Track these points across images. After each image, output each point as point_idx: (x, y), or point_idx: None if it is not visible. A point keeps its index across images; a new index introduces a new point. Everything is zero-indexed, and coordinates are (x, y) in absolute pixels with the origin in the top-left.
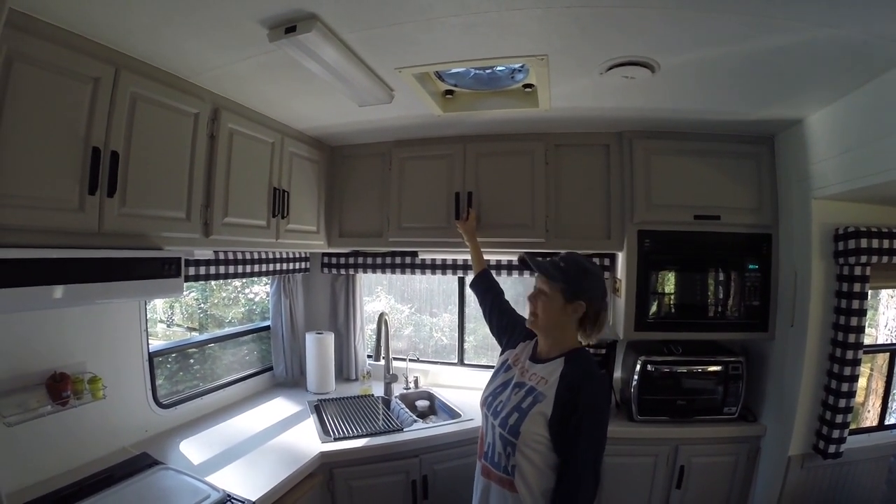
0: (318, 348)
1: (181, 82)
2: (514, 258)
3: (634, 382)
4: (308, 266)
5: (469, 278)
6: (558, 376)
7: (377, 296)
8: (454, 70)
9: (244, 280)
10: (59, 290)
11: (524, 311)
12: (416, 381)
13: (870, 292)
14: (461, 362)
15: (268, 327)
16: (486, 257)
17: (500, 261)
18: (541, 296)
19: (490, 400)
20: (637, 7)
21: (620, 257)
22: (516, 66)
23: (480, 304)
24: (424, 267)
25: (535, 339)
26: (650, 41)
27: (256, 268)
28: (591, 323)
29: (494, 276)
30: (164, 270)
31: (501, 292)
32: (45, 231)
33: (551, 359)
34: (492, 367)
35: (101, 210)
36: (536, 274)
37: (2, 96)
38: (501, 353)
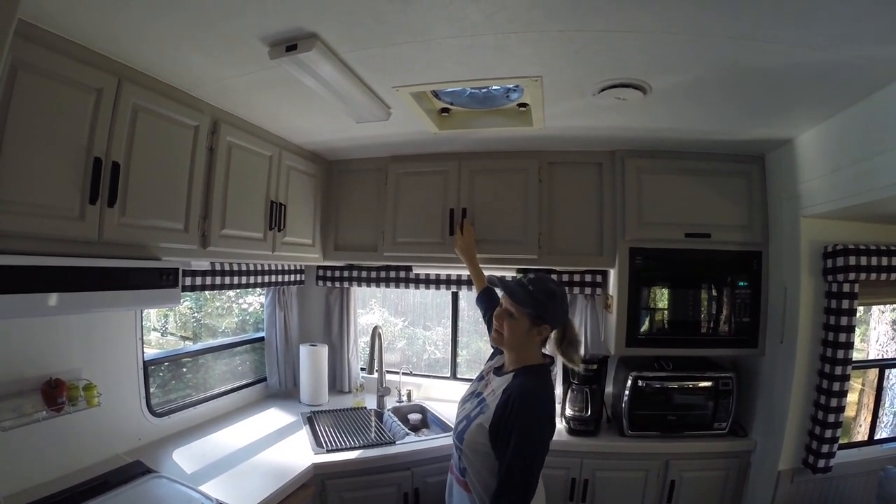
0: (312, 360)
1: (182, 95)
2: (508, 274)
3: (625, 398)
4: (303, 278)
5: (463, 293)
6: (503, 390)
7: (371, 309)
8: (450, 89)
9: (238, 290)
10: (57, 298)
11: None
12: (408, 395)
13: (861, 308)
14: (454, 376)
15: (262, 338)
16: None
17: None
18: (508, 317)
19: (459, 406)
20: (629, 31)
21: (612, 274)
22: (511, 85)
23: (483, 319)
24: (419, 281)
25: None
26: (642, 64)
27: (252, 279)
28: (559, 340)
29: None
30: (162, 280)
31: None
32: (46, 239)
33: (508, 372)
34: None
35: (101, 219)
36: (502, 294)
37: (6, 104)
38: None
